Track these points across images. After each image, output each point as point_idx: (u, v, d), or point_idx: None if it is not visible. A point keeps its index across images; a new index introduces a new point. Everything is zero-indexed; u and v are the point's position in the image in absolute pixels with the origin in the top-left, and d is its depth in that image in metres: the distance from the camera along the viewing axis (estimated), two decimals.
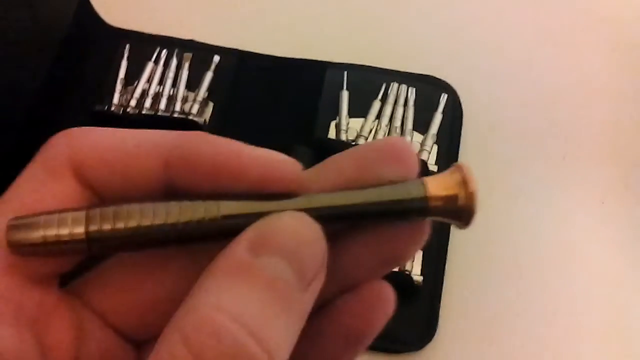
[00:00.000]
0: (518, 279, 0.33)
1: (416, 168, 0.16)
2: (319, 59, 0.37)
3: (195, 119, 0.34)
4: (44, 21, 0.34)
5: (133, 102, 0.35)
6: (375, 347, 0.31)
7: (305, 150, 0.33)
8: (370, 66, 0.37)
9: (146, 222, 0.15)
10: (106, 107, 0.35)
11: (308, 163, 0.32)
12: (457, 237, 0.33)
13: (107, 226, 0.15)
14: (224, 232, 0.15)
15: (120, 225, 0.15)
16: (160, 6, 0.39)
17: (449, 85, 0.36)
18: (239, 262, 0.15)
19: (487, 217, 0.34)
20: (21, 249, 0.15)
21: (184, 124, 0.34)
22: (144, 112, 0.35)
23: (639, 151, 0.36)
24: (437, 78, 0.37)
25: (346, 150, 0.17)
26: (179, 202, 0.15)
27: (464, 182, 0.16)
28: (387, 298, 0.18)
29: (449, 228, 0.33)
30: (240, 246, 0.15)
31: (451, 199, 0.16)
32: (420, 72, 0.37)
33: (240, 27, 0.39)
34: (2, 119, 0.32)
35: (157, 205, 0.15)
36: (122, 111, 0.35)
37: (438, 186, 0.16)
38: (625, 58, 0.39)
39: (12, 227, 0.15)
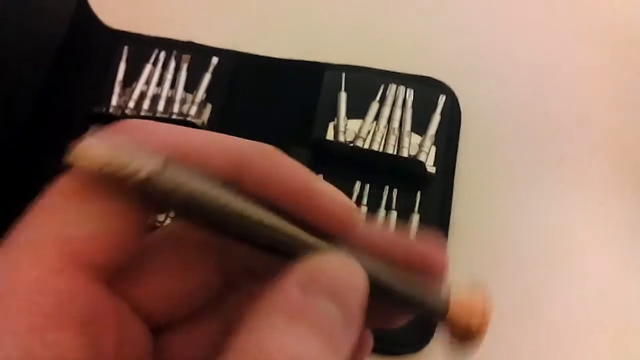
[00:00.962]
0: (517, 279, 0.33)
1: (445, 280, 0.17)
2: (318, 60, 0.37)
3: (194, 120, 0.34)
4: (42, 24, 0.34)
5: (131, 104, 0.35)
6: (373, 349, 0.31)
7: (300, 150, 0.33)
8: (368, 67, 0.37)
9: (211, 197, 0.15)
10: (104, 109, 0.35)
11: (303, 164, 0.32)
12: (456, 238, 0.33)
13: (179, 178, 0.15)
14: (270, 245, 0.16)
15: (188, 185, 0.15)
16: (158, 8, 0.39)
17: (447, 86, 0.37)
18: (293, 303, 0.15)
19: (485, 218, 0.34)
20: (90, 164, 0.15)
21: (183, 125, 0.34)
22: (142, 113, 0.35)
23: (637, 152, 0.36)
24: (435, 79, 0.37)
25: (397, 233, 0.18)
26: (245, 199, 0.16)
27: (481, 315, 0.16)
28: None
29: (447, 228, 0.33)
30: (293, 287, 0.15)
31: (465, 328, 0.16)
32: (419, 74, 0.37)
33: (239, 29, 0.39)
34: (2, 122, 0.32)
35: (226, 192, 0.15)
36: (121, 113, 0.35)
37: (460, 312, 0.16)
38: (625, 59, 0.39)
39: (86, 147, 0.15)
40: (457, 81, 0.37)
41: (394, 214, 0.33)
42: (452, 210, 0.34)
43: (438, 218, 0.33)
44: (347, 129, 0.35)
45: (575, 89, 0.38)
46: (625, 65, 0.39)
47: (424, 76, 0.37)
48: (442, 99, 0.36)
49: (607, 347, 0.32)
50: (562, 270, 0.34)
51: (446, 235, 0.33)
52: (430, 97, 0.36)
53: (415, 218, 0.33)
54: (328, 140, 0.34)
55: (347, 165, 0.34)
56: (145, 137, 0.17)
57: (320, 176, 0.33)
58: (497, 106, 0.37)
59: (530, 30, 0.39)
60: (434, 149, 0.35)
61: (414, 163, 0.34)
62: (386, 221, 0.33)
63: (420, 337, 0.31)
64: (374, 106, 0.35)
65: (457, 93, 0.37)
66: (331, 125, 0.35)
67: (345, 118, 0.35)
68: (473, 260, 0.34)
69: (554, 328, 0.32)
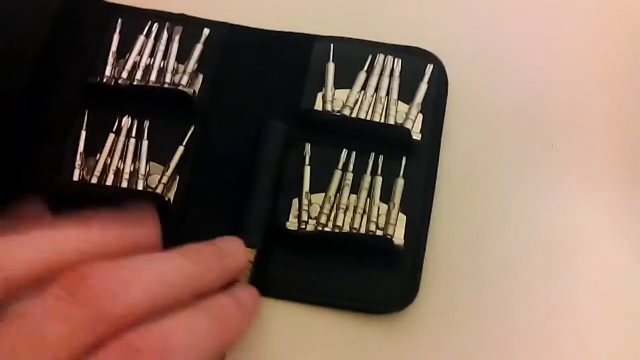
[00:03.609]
0: (503, 249, 0.34)
1: None
2: (307, 32, 0.38)
3: (185, 89, 0.35)
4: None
5: (124, 74, 0.36)
6: (355, 308, 0.32)
7: (278, 125, 0.34)
8: (357, 39, 0.37)
9: None
10: (98, 80, 0.36)
11: (281, 138, 0.34)
12: (440, 205, 0.34)
13: None
14: None
15: None
16: None
17: (436, 56, 0.37)
18: None
19: (471, 190, 0.35)
20: None
21: (174, 94, 0.35)
22: (135, 83, 0.36)
23: (635, 139, 0.37)
24: (423, 50, 0.37)
25: None
26: None
27: None
28: None
29: (432, 195, 0.34)
30: None
31: None
32: (406, 43, 0.37)
33: (230, 1, 0.39)
34: None
35: None
36: (114, 83, 0.35)
37: None
38: (623, 43, 0.39)
39: None
40: (446, 52, 0.37)
41: (379, 180, 0.34)
42: (437, 177, 0.34)
43: (423, 184, 0.34)
44: (335, 98, 0.36)
45: (574, 67, 0.39)
46: (624, 50, 0.39)
47: (412, 47, 0.37)
48: (429, 68, 0.37)
49: (607, 350, 0.33)
50: (551, 248, 0.34)
51: (431, 201, 0.34)
52: (418, 66, 0.37)
53: (400, 183, 0.34)
54: (315, 110, 0.35)
55: (333, 133, 0.34)
56: None
57: (308, 145, 0.34)
58: (486, 77, 0.38)
59: (523, 3, 0.40)
60: (420, 117, 0.35)
61: (399, 130, 0.34)
62: (372, 187, 0.34)
63: (404, 297, 0.32)
64: (362, 76, 0.36)
65: (445, 64, 0.37)
66: (319, 95, 0.36)
67: (333, 88, 0.36)
68: (458, 228, 0.34)
69: (538, 300, 0.33)
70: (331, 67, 0.36)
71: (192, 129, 0.35)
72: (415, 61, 0.37)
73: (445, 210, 0.34)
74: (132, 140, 0.35)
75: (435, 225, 0.34)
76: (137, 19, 0.38)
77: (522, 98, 0.38)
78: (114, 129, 0.35)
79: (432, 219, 0.34)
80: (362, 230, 0.33)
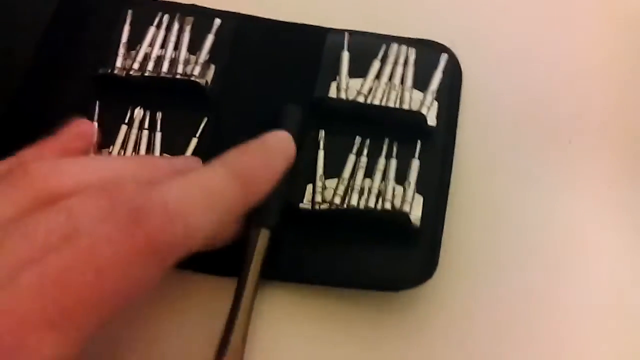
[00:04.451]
0: (519, 239, 0.34)
1: None
2: (320, 24, 0.37)
3: (198, 80, 0.35)
4: None
5: (136, 66, 0.36)
6: (371, 286, 0.31)
7: (295, 108, 0.33)
8: (371, 32, 0.37)
9: None
10: (110, 70, 0.35)
11: (298, 121, 0.33)
12: (457, 190, 0.34)
13: None
14: None
15: None
16: None
17: (449, 49, 0.37)
18: None
19: (487, 183, 0.35)
20: None
21: (186, 85, 0.35)
22: (146, 74, 0.35)
23: None
24: (437, 42, 0.37)
25: None
26: None
27: None
28: None
29: (449, 179, 0.33)
30: None
31: None
32: (421, 37, 0.37)
33: None
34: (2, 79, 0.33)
35: None
36: (125, 74, 0.35)
37: None
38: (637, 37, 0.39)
39: None
40: (460, 46, 0.37)
41: (393, 162, 0.33)
42: (453, 164, 0.34)
43: (439, 168, 0.33)
44: (349, 87, 0.35)
45: (586, 51, 0.38)
46: (637, 45, 0.39)
47: (425, 39, 0.37)
48: (443, 57, 0.36)
49: (616, 348, 0.32)
50: (566, 245, 0.34)
51: (448, 185, 0.33)
52: (432, 57, 0.36)
53: (416, 163, 0.33)
54: (329, 97, 0.35)
55: (348, 121, 0.34)
56: None
57: (322, 132, 0.33)
58: (499, 70, 0.38)
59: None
60: (435, 104, 0.35)
61: (415, 114, 0.34)
62: (387, 169, 0.33)
63: (421, 274, 0.31)
64: (376, 64, 0.36)
65: (459, 57, 0.37)
66: (334, 85, 0.35)
67: (347, 77, 0.35)
68: (474, 213, 0.34)
69: (555, 288, 0.33)
70: (346, 55, 0.36)
71: (205, 120, 0.35)
72: (429, 52, 0.36)
73: (462, 195, 0.34)
74: (145, 132, 0.34)
75: (451, 208, 0.33)
76: (148, 10, 0.37)
77: (536, 92, 0.37)
78: (126, 121, 0.35)
79: (448, 203, 0.33)
80: (378, 209, 0.32)
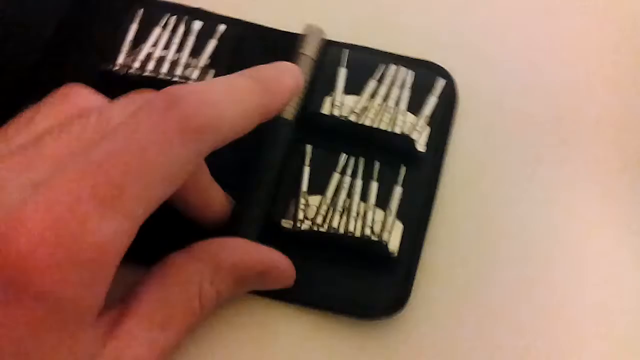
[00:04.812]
0: (500, 270, 0.34)
1: None
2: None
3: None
4: None
5: (137, 64, 0.36)
6: (345, 311, 0.32)
7: (284, 122, 0.34)
8: (370, 48, 0.37)
9: None
10: (110, 67, 0.36)
11: (285, 136, 0.34)
12: (440, 216, 0.34)
13: None
14: None
15: None
16: None
17: (447, 72, 0.37)
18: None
19: (477, 202, 0.35)
20: None
21: None
22: (145, 74, 0.36)
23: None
24: (436, 64, 0.37)
25: None
26: None
27: None
28: None
29: (431, 207, 0.34)
30: None
31: None
32: (420, 56, 0.37)
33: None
34: (7, 74, 0.34)
35: None
36: (126, 72, 0.36)
37: None
38: (629, 38, 0.39)
39: None
40: (458, 66, 0.37)
41: (375, 185, 0.33)
42: (439, 188, 0.34)
43: (423, 195, 0.34)
44: (343, 104, 0.35)
45: (578, 74, 0.38)
46: (630, 44, 0.38)
47: (425, 60, 0.37)
48: (440, 82, 0.36)
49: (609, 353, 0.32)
50: (554, 251, 0.34)
51: (429, 213, 0.33)
52: (429, 80, 0.36)
53: (398, 190, 0.33)
54: (320, 113, 0.35)
55: (338, 138, 0.34)
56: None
57: (309, 146, 0.34)
58: (497, 92, 0.38)
59: (535, 17, 0.39)
60: (427, 129, 0.35)
61: (403, 138, 0.34)
62: (368, 192, 0.33)
63: (395, 302, 0.31)
64: (372, 84, 0.36)
65: (456, 78, 0.37)
66: (328, 100, 0.36)
67: (343, 94, 0.36)
68: (456, 240, 0.34)
69: (536, 307, 0.33)
70: (343, 72, 0.36)
71: None
72: (427, 74, 0.36)
73: (445, 222, 0.34)
74: None
75: (432, 235, 0.33)
76: (157, 10, 0.38)
77: (534, 116, 0.37)
78: None
79: (430, 230, 0.33)
80: (358, 234, 0.32)
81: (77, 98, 0.28)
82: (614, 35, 0.39)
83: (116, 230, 0.22)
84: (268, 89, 0.27)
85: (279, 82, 0.28)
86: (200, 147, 0.23)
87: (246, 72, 0.28)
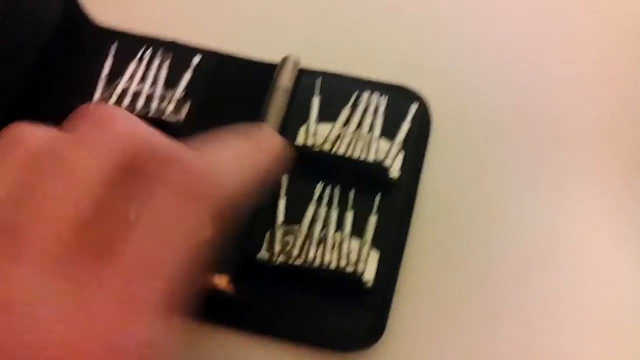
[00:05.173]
0: (476, 299, 0.34)
1: None
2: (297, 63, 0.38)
3: (168, 119, 0.36)
4: (30, 18, 0.36)
5: (113, 100, 0.37)
6: (322, 344, 0.32)
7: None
8: (343, 75, 0.38)
9: None
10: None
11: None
12: (416, 242, 0.34)
13: None
14: None
15: None
16: (149, 7, 0.41)
17: (420, 96, 0.37)
18: None
19: (453, 225, 0.35)
20: None
21: (158, 123, 0.36)
22: None
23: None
24: (409, 89, 0.38)
25: None
26: None
27: None
28: None
29: (407, 234, 0.34)
30: None
31: None
32: (393, 81, 0.37)
33: (224, 30, 0.40)
34: None
35: None
36: None
37: None
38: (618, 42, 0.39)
39: None
40: (431, 90, 0.38)
41: (350, 215, 0.34)
42: (415, 213, 0.35)
43: (398, 221, 0.34)
44: (317, 132, 0.36)
45: (562, 93, 0.39)
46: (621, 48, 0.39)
47: (397, 85, 0.37)
48: (413, 107, 0.37)
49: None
50: (542, 264, 0.34)
51: (405, 239, 0.34)
52: (402, 105, 0.37)
53: (373, 219, 0.34)
54: (294, 144, 0.35)
55: (313, 168, 0.35)
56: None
57: (285, 178, 0.34)
58: (470, 115, 0.38)
59: (513, 44, 0.40)
60: (401, 155, 0.35)
61: (376, 167, 0.35)
62: (344, 222, 0.34)
63: (370, 334, 0.32)
64: (345, 111, 0.36)
65: (430, 102, 0.37)
66: (303, 129, 0.36)
67: (316, 122, 0.36)
68: (432, 267, 0.34)
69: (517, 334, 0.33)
70: (316, 101, 0.36)
71: None
72: (400, 99, 0.37)
73: (422, 247, 0.34)
74: None
75: (409, 261, 0.34)
76: (132, 44, 0.38)
77: (507, 137, 0.37)
78: None
79: (406, 256, 0.34)
80: (333, 265, 0.33)
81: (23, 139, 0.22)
82: (602, 48, 0.40)
83: (163, 328, 0.20)
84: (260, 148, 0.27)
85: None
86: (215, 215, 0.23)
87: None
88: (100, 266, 0.19)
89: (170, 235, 0.21)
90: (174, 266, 0.20)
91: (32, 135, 0.21)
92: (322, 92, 0.37)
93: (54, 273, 0.19)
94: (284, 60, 0.37)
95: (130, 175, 0.21)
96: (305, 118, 0.36)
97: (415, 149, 0.36)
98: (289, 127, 0.36)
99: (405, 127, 0.36)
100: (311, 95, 0.37)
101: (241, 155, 0.25)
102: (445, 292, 0.34)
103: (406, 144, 0.36)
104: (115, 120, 0.22)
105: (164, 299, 0.20)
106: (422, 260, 0.34)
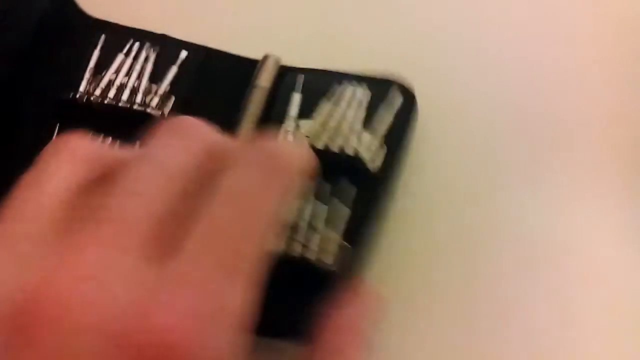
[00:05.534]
0: (446, 294, 0.34)
1: None
2: (283, 61, 0.38)
3: (152, 112, 0.36)
4: (18, 6, 0.37)
5: (98, 92, 0.37)
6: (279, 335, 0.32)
7: None
8: (327, 71, 0.37)
9: None
10: (72, 95, 0.37)
11: None
12: (398, 233, 0.34)
13: None
14: None
15: None
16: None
17: (406, 87, 0.37)
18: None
19: (434, 220, 0.35)
20: None
21: (142, 116, 0.36)
22: (106, 102, 0.37)
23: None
24: (394, 81, 0.37)
25: None
26: None
27: None
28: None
29: (378, 224, 0.34)
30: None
31: None
32: (379, 75, 0.37)
33: (212, 25, 0.40)
34: None
35: None
36: (86, 100, 0.36)
37: None
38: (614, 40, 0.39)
39: None
40: (419, 82, 0.37)
41: (324, 208, 0.34)
42: (396, 208, 0.34)
43: (374, 215, 0.34)
44: (297, 129, 0.36)
45: (552, 88, 0.38)
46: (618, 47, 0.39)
47: (382, 78, 0.37)
48: (398, 99, 0.36)
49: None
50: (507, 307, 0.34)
51: (376, 233, 0.34)
52: (386, 97, 0.36)
53: (346, 212, 0.34)
54: None
55: None
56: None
57: None
58: (459, 108, 0.38)
59: (501, 35, 0.39)
60: (383, 149, 0.35)
61: (353, 160, 0.34)
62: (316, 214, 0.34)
63: None
64: (326, 106, 0.36)
65: (417, 95, 0.37)
66: (283, 127, 0.36)
67: (296, 118, 0.36)
68: (406, 264, 0.34)
69: None
70: (297, 97, 0.36)
71: None
72: (384, 92, 0.36)
73: (400, 244, 0.34)
74: None
75: (384, 258, 0.33)
76: (120, 36, 0.39)
77: (496, 133, 0.37)
78: None
79: (382, 252, 0.33)
80: (309, 258, 0.33)
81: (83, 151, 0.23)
82: (597, 43, 0.39)
83: (245, 299, 0.20)
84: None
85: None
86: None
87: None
88: (186, 237, 0.20)
89: (258, 203, 0.21)
90: (262, 233, 0.21)
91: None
92: (304, 88, 0.37)
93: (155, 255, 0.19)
94: (264, 58, 0.37)
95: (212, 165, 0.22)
96: (285, 115, 0.36)
97: (398, 142, 0.36)
98: (268, 125, 0.36)
99: (387, 120, 0.36)
100: (292, 92, 0.37)
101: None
102: (426, 291, 0.34)
103: (389, 137, 0.35)
104: (194, 127, 0.24)
105: (255, 266, 0.21)
106: (400, 257, 0.34)
